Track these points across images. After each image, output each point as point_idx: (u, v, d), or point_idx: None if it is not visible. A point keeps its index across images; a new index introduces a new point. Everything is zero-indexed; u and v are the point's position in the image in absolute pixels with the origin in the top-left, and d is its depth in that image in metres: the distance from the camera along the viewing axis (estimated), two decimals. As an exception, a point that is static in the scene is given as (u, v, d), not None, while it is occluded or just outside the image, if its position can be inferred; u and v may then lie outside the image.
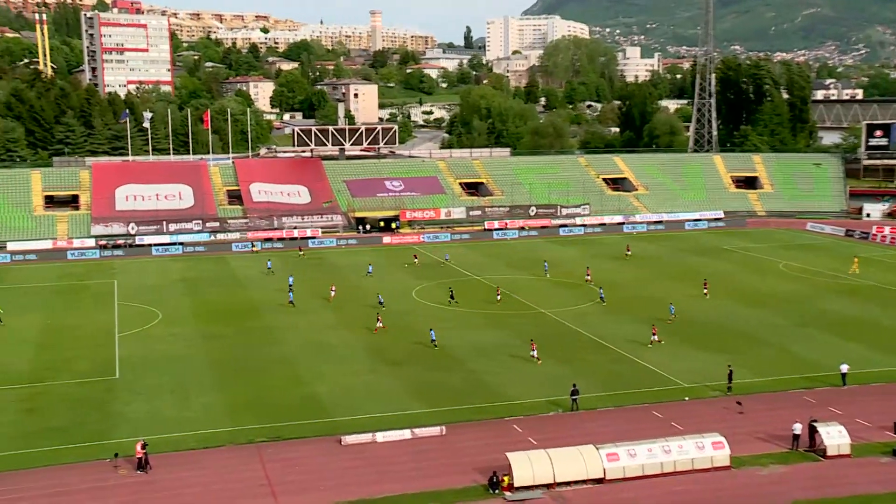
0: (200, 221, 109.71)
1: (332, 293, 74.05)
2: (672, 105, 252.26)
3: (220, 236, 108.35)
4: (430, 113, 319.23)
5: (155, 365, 55.78)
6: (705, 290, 73.64)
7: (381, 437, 42.77)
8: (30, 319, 68.53)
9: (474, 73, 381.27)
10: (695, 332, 61.75)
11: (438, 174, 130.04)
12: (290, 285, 77.18)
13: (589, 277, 79.43)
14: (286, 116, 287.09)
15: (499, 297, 71.58)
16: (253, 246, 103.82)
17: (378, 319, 63.85)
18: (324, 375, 53.10)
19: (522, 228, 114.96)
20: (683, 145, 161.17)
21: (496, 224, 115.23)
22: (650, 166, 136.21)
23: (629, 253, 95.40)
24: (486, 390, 50.04)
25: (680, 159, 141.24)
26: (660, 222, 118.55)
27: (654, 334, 59.17)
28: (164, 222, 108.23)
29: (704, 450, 39.41)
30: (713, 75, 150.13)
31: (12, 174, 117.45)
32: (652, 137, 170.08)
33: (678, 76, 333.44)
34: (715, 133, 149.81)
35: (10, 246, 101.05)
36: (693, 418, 44.67)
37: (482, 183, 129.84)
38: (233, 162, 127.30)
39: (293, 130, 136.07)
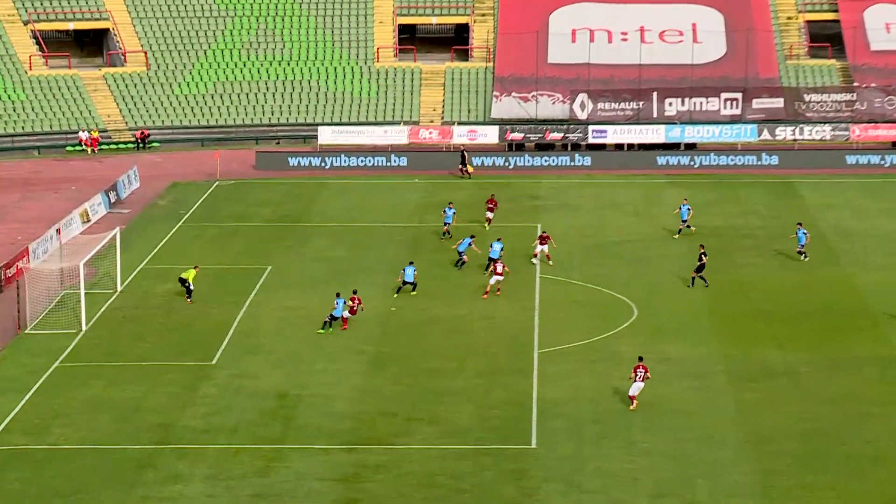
0: (738, 96, 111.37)
1: None
2: None
3: (781, 131, 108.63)
4: None
5: (624, 423, 57.16)
6: None
7: None
8: (361, 299, 71.49)
9: None
10: None
11: None
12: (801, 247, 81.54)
13: None
14: None
15: None
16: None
17: None
18: None
19: None
20: None
21: None
22: None
23: None
24: None
25: None
26: None
27: None
28: (654, 95, 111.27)
29: None
30: None
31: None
32: None
33: None
34: None
35: (325, 135, 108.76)
36: None
37: None
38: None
39: None
